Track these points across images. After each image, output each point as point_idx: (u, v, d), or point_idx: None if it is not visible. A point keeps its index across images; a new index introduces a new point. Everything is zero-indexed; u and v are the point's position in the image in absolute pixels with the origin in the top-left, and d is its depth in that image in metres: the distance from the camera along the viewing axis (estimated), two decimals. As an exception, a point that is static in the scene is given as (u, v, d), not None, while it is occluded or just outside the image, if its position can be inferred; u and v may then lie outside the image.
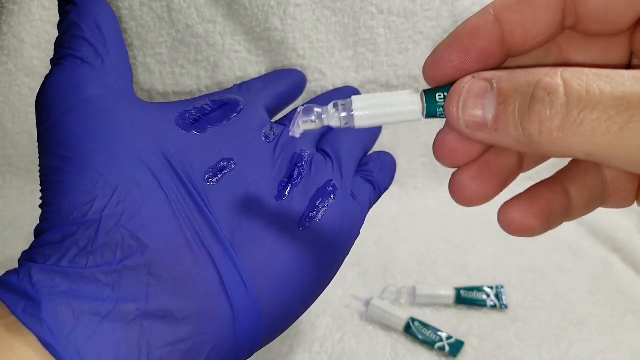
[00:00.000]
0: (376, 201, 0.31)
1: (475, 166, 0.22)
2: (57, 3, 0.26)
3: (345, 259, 0.27)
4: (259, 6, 0.44)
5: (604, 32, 0.20)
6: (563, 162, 0.23)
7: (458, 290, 0.42)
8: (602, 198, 0.23)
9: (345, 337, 0.39)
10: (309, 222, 0.25)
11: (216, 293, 0.22)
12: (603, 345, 0.39)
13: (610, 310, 0.42)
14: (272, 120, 0.30)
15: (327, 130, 0.30)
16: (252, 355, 0.24)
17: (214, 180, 0.24)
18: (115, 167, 0.22)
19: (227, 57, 0.46)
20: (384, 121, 0.21)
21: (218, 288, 0.22)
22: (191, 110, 0.26)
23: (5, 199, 0.50)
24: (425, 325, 0.39)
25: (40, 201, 0.22)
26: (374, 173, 0.30)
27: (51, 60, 0.25)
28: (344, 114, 0.21)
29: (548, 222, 0.22)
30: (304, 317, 0.25)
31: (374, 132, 0.32)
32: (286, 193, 0.26)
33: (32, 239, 0.21)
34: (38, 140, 0.23)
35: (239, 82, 0.31)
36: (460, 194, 0.22)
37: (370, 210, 0.30)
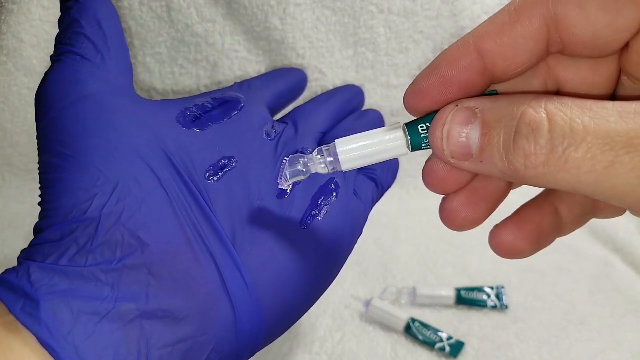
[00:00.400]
0: (379, 199, 0.30)
1: (464, 193, 0.22)
2: (56, 3, 0.26)
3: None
4: (258, 6, 0.44)
5: (592, 56, 0.19)
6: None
7: (458, 290, 0.42)
8: (594, 212, 0.23)
9: (345, 338, 0.39)
10: (311, 220, 0.25)
11: (217, 293, 0.22)
12: (603, 345, 0.39)
13: (611, 310, 0.42)
14: (274, 119, 0.29)
15: (330, 128, 0.30)
16: (253, 355, 0.24)
17: (215, 179, 0.24)
18: (115, 164, 0.22)
19: (227, 57, 0.46)
20: (371, 161, 0.21)
21: (219, 288, 0.22)
22: (192, 108, 0.26)
23: (4, 198, 0.50)
24: (425, 325, 0.39)
25: (40, 199, 0.22)
26: (377, 171, 0.30)
27: (51, 57, 0.25)
28: (329, 159, 0.21)
29: (538, 244, 0.23)
30: (303, 318, 0.25)
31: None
32: (288, 191, 0.26)
33: (32, 238, 0.21)
34: (37, 137, 0.23)
35: (239, 81, 0.31)
36: (451, 221, 0.23)
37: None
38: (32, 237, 0.21)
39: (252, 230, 0.23)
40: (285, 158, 0.23)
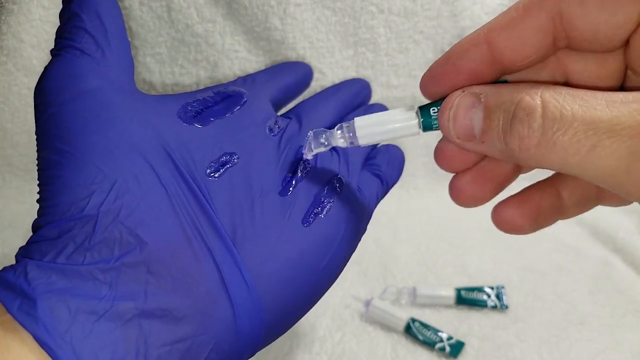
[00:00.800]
0: (384, 196, 0.30)
1: (471, 173, 0.24)
2: (57, 3, 0.26)
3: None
4: (258, 5, 0.44)
5: (597, 51, 0.20)
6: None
7: (458, 290, 0.42)
8: (598, 198, 0.24)
9: (345, 338, 0.39)
10: (314, 218, 0.25)
11: (216, 291, 0.21)
12: (603, 345, 0.39)
13: (611, 310, 0.42)
14: (278, 114, 0.29)
15: (334, 123, 0.30)
16: (254, 355, 0.23)
17: (215, 175, 0.24)
18: (114, 161, 0.22)
19: (227, 57, 0.46)
20: (385, 137, 0.23)
21: (218, 286, 0.21)
22: (194, 103, 0.26)
23: (4, 198, 0.50)
24: (425, 325, 0.39)
25: (39, 196, 0.22)
26: (382, 167, 0.30)
27: (51, 51, 0.24)
28: (348, 135, 0.24)
29: (537, 222, 0.24)
30: (303, 318, 0.25)
31: None
32: (290, 188, 0.25)
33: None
34: (36, 133, 0.23)
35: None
36: (458, 197, 0.25)
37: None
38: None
39: (253, 228, 0.23)
40: (310, 132, 0.25)
